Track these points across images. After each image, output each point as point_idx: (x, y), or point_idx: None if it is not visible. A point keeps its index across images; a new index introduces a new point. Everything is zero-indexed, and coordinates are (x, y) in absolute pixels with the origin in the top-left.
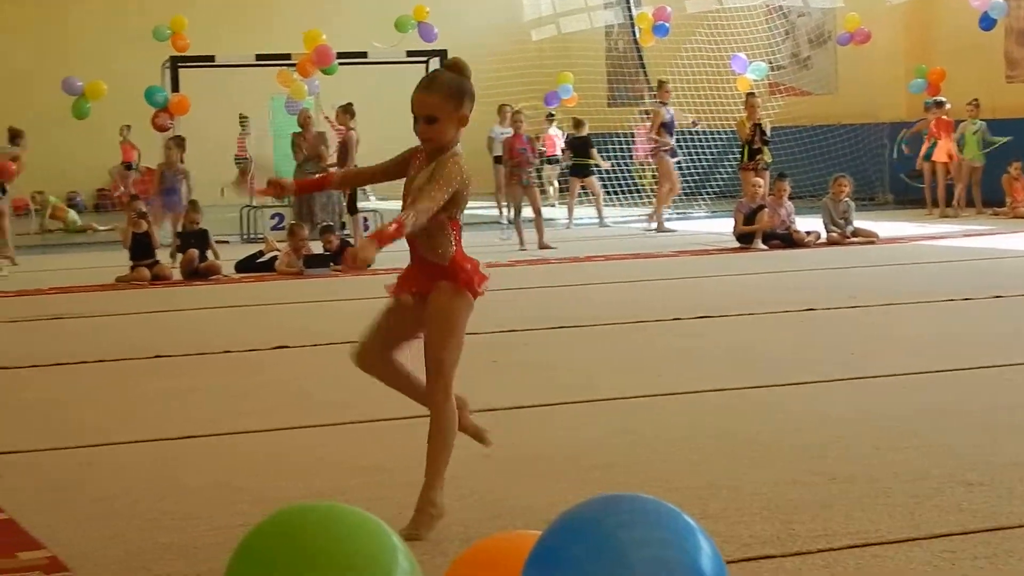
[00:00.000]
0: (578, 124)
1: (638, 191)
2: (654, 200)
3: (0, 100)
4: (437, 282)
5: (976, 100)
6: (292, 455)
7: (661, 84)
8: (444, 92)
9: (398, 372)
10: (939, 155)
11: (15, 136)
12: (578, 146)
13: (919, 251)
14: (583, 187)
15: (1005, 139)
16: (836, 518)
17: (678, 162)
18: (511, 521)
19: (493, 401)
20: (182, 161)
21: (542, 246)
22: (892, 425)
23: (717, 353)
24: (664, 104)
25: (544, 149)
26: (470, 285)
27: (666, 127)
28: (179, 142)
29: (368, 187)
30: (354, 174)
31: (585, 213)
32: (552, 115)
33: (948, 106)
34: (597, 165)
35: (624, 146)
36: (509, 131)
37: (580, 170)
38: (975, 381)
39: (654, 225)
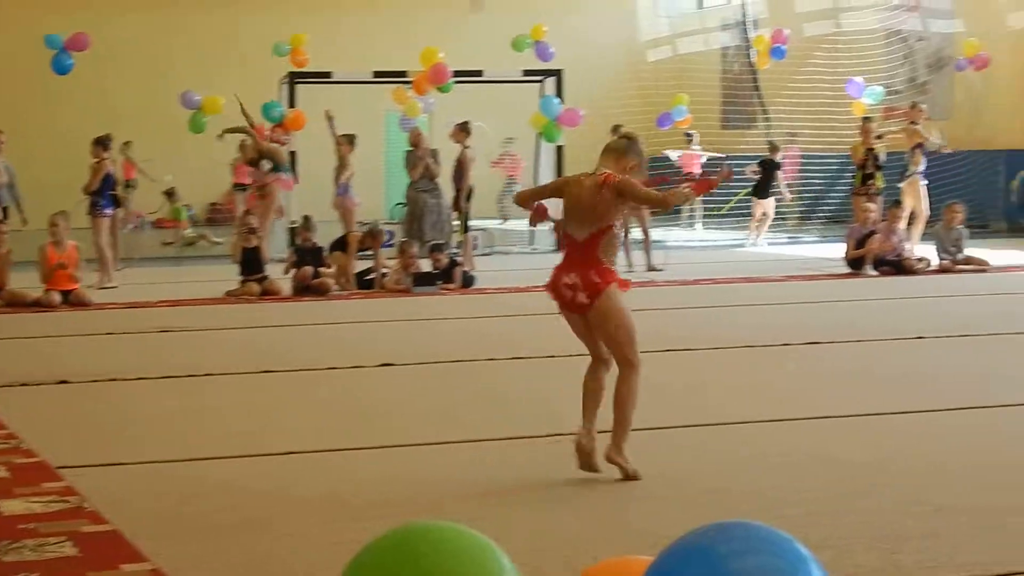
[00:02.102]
0: (773, 148)
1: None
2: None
3: (119, 115)
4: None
5: None
6: (400, 473)
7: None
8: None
9: None
10: None
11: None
12: (768, 168)
13: None
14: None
15: None
16: (942, 548)
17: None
18: (623, 545)
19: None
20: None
21: (650, 268)
22: (1007, 454)
23: (827, 379)
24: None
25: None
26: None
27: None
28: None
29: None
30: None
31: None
32: (690, 135)
33: None
34: (778, 191)
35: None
36: None
37: (762, 191)
38: None
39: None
